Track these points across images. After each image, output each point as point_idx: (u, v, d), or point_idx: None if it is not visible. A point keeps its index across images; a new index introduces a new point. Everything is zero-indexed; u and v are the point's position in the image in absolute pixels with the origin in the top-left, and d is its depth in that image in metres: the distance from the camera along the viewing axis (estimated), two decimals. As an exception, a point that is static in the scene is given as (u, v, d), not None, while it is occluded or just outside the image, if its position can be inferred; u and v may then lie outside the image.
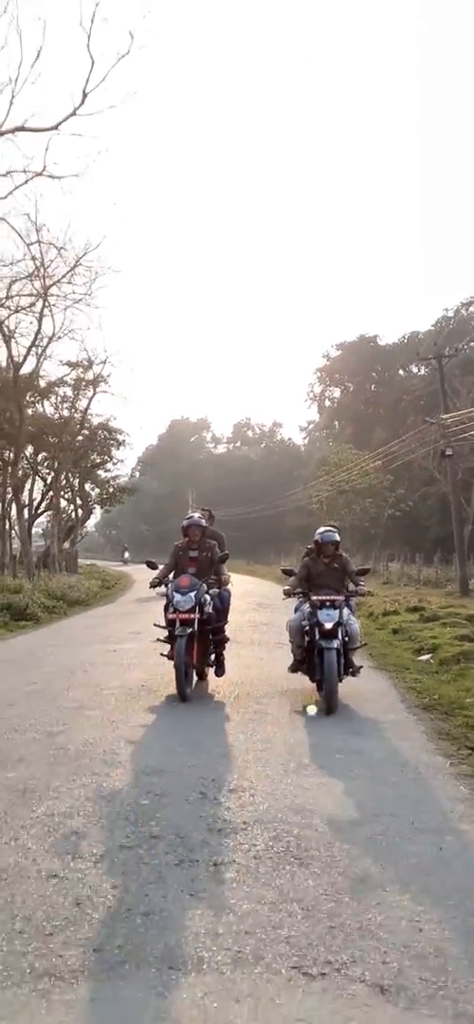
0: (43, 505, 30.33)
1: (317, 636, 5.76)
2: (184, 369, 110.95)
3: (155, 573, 6.75)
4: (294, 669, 6.24)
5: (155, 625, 6.78)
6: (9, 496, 23.16)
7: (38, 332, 19.82)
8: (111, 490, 32.18)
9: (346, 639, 5.87)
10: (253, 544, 50.39)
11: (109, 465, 31.84)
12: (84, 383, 28.25)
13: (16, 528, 24.86)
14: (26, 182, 14.02)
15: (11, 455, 22.15)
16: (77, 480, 31.19)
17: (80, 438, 29.48)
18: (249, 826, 3.10)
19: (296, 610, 6.40)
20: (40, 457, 29.28)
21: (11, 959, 2.10)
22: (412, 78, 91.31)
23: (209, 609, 6.38)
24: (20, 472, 25.16)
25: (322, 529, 6.48)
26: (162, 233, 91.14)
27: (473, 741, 4.44)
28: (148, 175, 79.70)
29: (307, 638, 5.93)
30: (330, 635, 5.70)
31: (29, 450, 28.34)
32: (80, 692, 6.26)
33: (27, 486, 29.10)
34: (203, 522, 6.83)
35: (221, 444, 68.88)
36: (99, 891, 2.52)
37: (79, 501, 31.54)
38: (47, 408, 28.10)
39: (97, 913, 2.37)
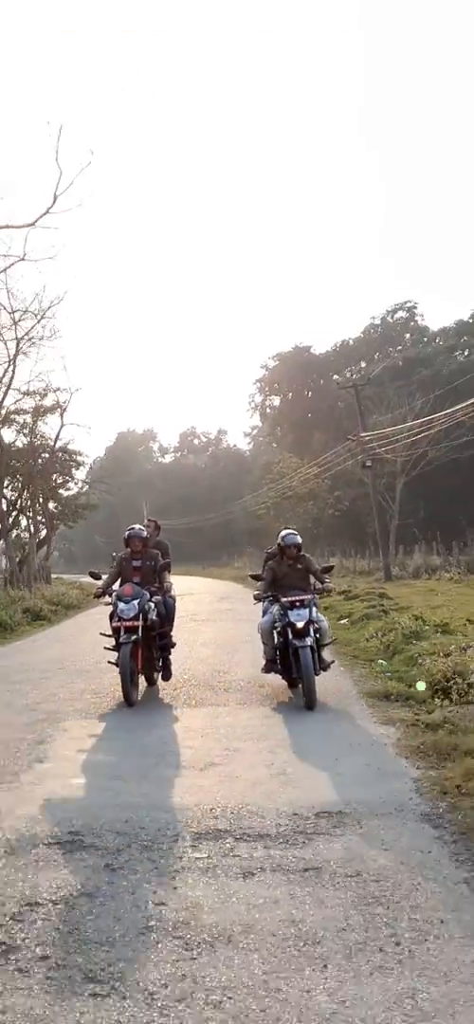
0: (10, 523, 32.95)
1: (290, 636, 6.11)
2: (128, 381, 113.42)
3: (99, 583, 7.15)
4: (267, 669, 6.59)
5: (101, 634, 7.17)
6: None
7: (12, 376, 22.87)
8: (74, 507, 34.97)
9: (317, 636, 6.25)
10: (206, 549, 53.98)
11: (70, 484, 34.72)
12: (42, 410, 31.24)
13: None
14: (9, 267, 17.17)
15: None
16: (39, 500, 33.88)
17: (40, 461, 32.26)
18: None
19: (264, 612, 6.75)
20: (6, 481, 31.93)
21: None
22: (345, 94, 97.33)
23: (153, 616, 6.65)
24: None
25: (284, 533, 6.93)
26: (103, 246, 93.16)
27: (355, 652, 8.26)
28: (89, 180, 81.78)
29: (280, 639, 6.30)
30: (303, 634, 6.06)
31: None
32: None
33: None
34: (144, 533, 7.21)
35: (168, 454, 72.12)
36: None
37: (42, 519, 34.22)
38: (7, 434, 30.80)
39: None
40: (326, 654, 6.59)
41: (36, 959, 2.41)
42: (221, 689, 7.09)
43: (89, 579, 9.05)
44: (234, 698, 6.68)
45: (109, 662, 6.78)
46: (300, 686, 6.10)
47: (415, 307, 54.07)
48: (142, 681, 6.97)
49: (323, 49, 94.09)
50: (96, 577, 7.79)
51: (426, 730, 5.05)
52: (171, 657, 7.30)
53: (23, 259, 16.90)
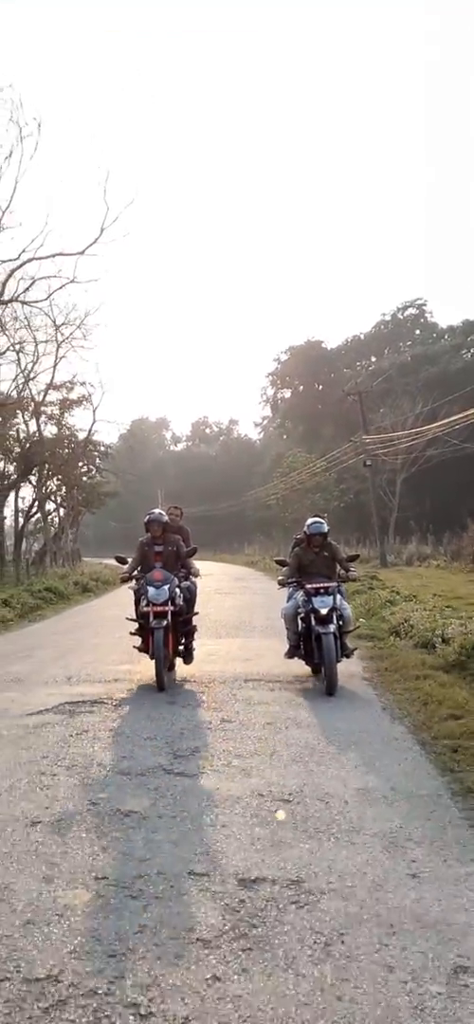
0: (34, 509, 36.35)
1: (313, 622, 6.30)
2: (143, 370, 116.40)
3: (124, 568, 7.37)
4: (290, 655, 6.83)
5: (127, 619, 7.45)
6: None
7: (52, 377, 26.27)
8: (97, 494, 38.34)
9: (341, 623, 6.41)
10: (217, 536, 57.19)
11: (94, 472, 38.10)
12: (68, 403, 34.54)
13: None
14: (61, 287, 20.41)
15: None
16: (63, 488, 37.26)
17: (68, 451, 35.56)
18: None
19: (289, 598, 6.91)
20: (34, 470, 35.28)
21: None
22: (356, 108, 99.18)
23: (180, 601, 6.92)
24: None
25: (310, 521, 7.08)
26: (122, 239, 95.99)
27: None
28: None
29: (303, 625, 6.50)
30: (326, 620, 6.23)
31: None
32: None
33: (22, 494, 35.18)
34: (164, 517, 7.37)
35: (181, 442, 75.26)
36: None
37: (67, 505, 37.62)
38: (34, 425, 34.11)
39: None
40: (349, 641, 6.79)
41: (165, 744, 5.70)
42: (247, 630, 10.41)
43: (113, 561, 9.38)
44: (257, 633, 9.99)
45: (134, 647, 7.11)
46: (322, 671, 6.34)
47: (424, 304, 56.77)
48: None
49: (329, 43, 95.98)
50: (122, 561, 7.84)
51: (377, 650, 8.31)
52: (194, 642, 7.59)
53: (73, 281, 20.10)
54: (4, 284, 19.95)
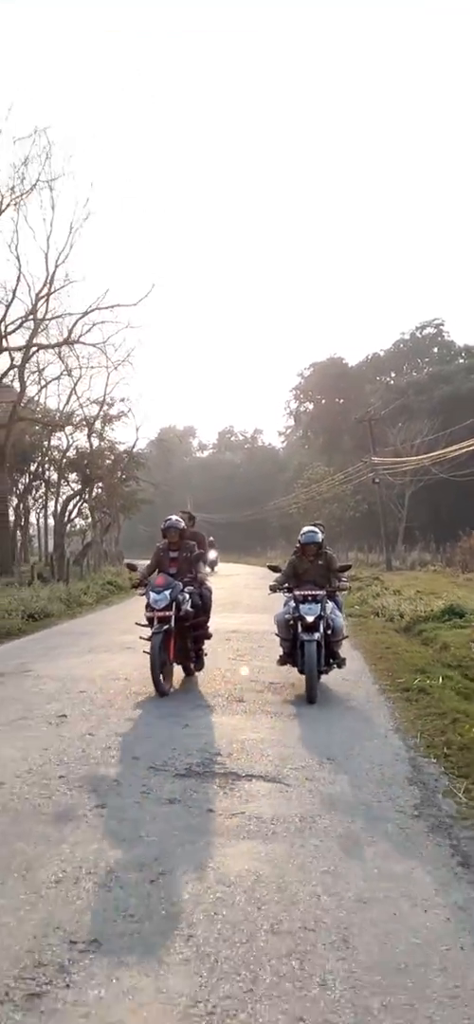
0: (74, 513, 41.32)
1: (300, 629, 6.48)
2: (171, 379, 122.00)
3: (136, 574, 7.54)
4: (282, 662, 6.98)
5: (137, 624, 7.41)
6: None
7: (104, 400, 31.05)
8: (133, 501, 43.02)
9: (329, 632, 6.59)
10: (241, 540, 61.67)
11: (131, 482, 42.81)
12: (109, 417, 39.34)
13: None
14: (117, 332, 25.06)
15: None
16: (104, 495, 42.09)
17: (108, 463, 40.33)
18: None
19: (284, 605, 7.04)
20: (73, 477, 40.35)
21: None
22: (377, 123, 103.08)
23: (187, 607, 6.99)
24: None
25: (305, 530, 7.25)
26: (154, 258, 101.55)
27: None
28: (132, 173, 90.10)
29: (292, 631, 6.67)
30: (311, 628, 6.41)
31: (73, 475, 39.65)
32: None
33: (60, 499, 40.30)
34: (181, 524, 7.50)
35: (207, 450, 79.90)
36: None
37: (108, 511, 42.43)
38: (80, 437, 39.12)
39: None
40: (341, 650, 7.01)
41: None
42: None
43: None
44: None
45: (145, 652, 6.95)
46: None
47: (442, 324, 60.50)
48: (178, 671, 7.47)
49: (340, 63, 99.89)
50: (132, 568, 8.09)
51: (359, 620, 12.55)
52: (205, 648, 7.79)
53: (128, 327, 24.75)
54: (70, 330, 24.67)
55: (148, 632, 6.92)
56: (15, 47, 70.76)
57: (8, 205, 23.39)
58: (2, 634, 11.88)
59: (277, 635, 7.10)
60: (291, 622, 6.77)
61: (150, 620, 6.94)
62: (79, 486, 39.88)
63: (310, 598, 6.67)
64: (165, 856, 3.36)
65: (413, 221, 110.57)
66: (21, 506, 44.39)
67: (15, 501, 42.32)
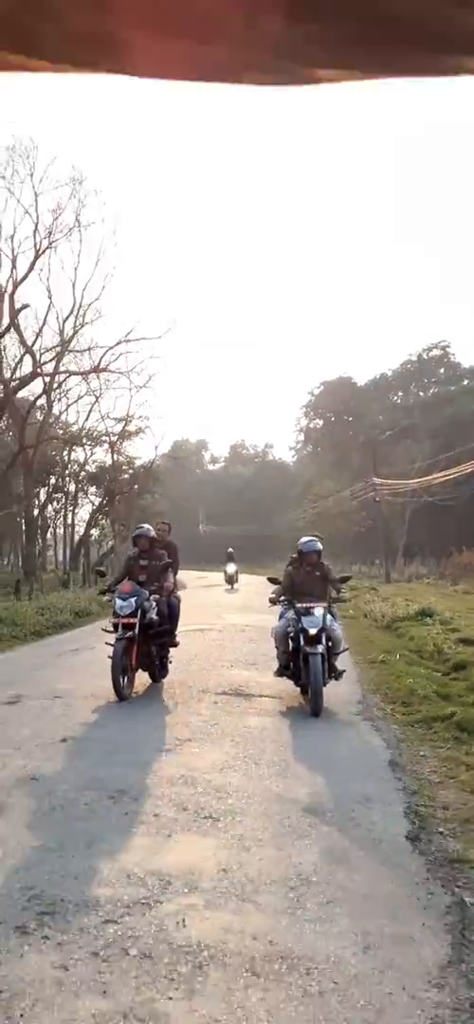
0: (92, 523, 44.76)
1: (302, 642, 6.61)
2: (183, 392, 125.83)
3: (107, 581, 7.98)
4: (279, 674, 7.20)
5: (103, 630, 7.80)
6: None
7: (127, 419, 34.32)
8: (150, 514, 46.22)
9: (330, 644, 6.75)
10: (251, 552, 64.59)
11: (147, 495, 46.07)
12: (127, 433, 42.68)
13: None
14: (141, 361, 28.33)
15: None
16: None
17: (126, 477, 43.67)
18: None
19: (281, 617, 7.28)
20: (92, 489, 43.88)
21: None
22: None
23: (152, 615, 7.30)
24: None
25: (305, 539, 7.47)
26: (161, 267, 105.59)
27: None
28: (149, 197, 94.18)
29: (292, 644, 6.82)
30: (315, 641, 6.55)
31: (92, 488, 43.17)
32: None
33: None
34: (151, 532, 7.98)
35: (218, 463, 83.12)
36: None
37: (125, 524, 45.64)
38: (99, 452, 42.54)
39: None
40: (339, 663, 7.10)
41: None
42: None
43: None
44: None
45: (109, 657, 7.09)
46: (309, 691, 6.56)
47: (448, 346, 63.28)
48: (143, 677, 7.75)
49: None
50: (101, 575, 8.92)
51: (351, 623, 15.55)
52: (170, 655, 8.11)
53: (152, 357, 28.00)
54: (100, 359, 27.98)
55: (113, 638, 7.22)
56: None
57: (46, 248, 26.66)
58: (59, 626, 15.00)
59: (276, 648, 7.31)
60: (291, 634, 6.88)
61: (115, 626, 7.25)
62: (98, 499, 43.40)
63: (312, 610, 6.78)
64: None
65: (422, 241, 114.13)
66: (39, 517, 47.81)
67: (35, 512, 45.75)
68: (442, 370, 63.56)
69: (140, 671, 7.71)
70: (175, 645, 8.39)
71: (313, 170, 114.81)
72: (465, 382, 58.87)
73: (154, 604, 7.48)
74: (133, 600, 7.21)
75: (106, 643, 7.40)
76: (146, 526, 8.35)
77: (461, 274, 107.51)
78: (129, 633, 7.10)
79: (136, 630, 7.14)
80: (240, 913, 2.97)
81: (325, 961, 2.60)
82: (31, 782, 4.67)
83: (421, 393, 61.65)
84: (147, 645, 7.49)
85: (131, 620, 7.14)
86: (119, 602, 7.25)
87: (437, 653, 10.47)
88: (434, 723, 6.45)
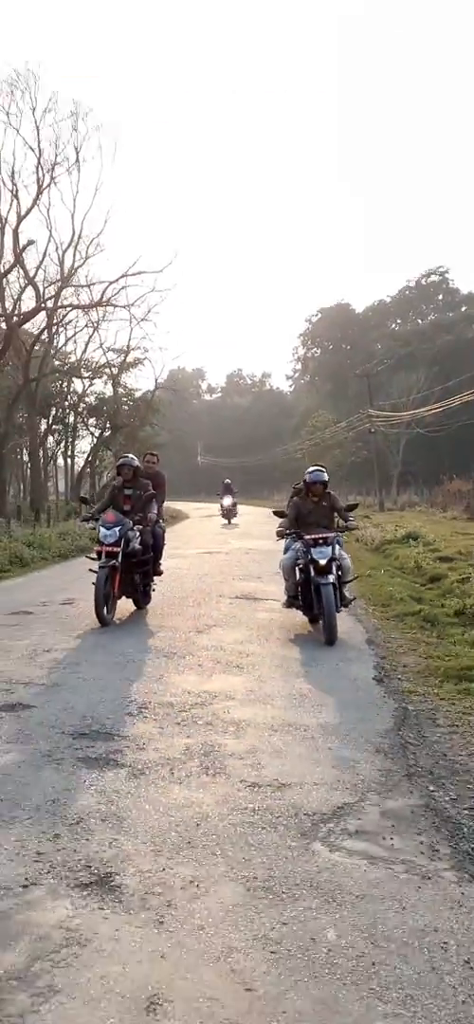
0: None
1: (313, 573, 6.69)
2: (179, 320, 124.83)
3: (92, 509, 8.18)
4: (289, 604, 7.33)
5: (87, 557, 8.16)
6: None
7: (127, 351, 35.42)
8: (149, 446, 47.66)
9: (339, 573, 6.87)
10: (249, 483, 66.28)
11: (147, 427, 47.39)
12: (126, 364, 43.71)
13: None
14: (142, 296, 29.33)
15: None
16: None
17: (125, 408, 44.88)
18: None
19: (287, 549, 7.39)
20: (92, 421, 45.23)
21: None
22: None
23: (135, 544, 7.54)
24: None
25: (311, 469, 7.50)
26: (161, 194, 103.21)
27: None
28: (148, 138, 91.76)
29: (302, 575, 6.92)
30: (325, 571, 6.64)
31: (92, 420, 44.47)
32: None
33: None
34: (135, 462, 8.13)
35: (216, 393, 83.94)
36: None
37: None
38: (98, 384, 43.68)
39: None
40: (348, 591, 7.30)
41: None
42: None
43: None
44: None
45: (92, 584, 7.37)
46: (321, 622, 6.74)
47: (447, 272, 63.72)
48: (125, 604, 8.05)
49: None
50: (85, 502, 8.88)
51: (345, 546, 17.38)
52: (154, 584, 8.34)
53: (154, 291, 29.00)
54: (102, 293, 28.95)
55: (97, 565, 7.45)
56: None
57: (49, 184, 27.30)
58: (80, 550, 16.78)
59: (285, 580, 7.41)
60: (301, 566, 6.98)
61: (99, 554, 7.49)
62: (98, 431, 44.75)
63: (321, 541, 6.86)
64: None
65: (422, 166, 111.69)
66: (40, 449, 49.22)
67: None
68: (441, 296, 64.08)
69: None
70: (159, 574, 8.64)
71: (312, 93, 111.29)
72: (463, 308, 59.52)
73: (137, 534, 7.70)
74: (117, 529, 7.43)
75: (90, 570, 7.74)
76: (130, 456, 8.47)
77: (462, 197, 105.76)
78: (112, 561, 7.32)
79: (119, 559, 7.37)
80: (262, 708, 4.82)
81: (316, 726, 4.42)
82: (104, 648, 6.50)
83: (419, 320, 62.21)
84: (130, 574, 7.72)
85: (114, 549, 7.36)
86: (103, 531, 7.48)
87: (417, 568, 12.29)
88: (405, 617, 8.27)
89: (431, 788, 3.54)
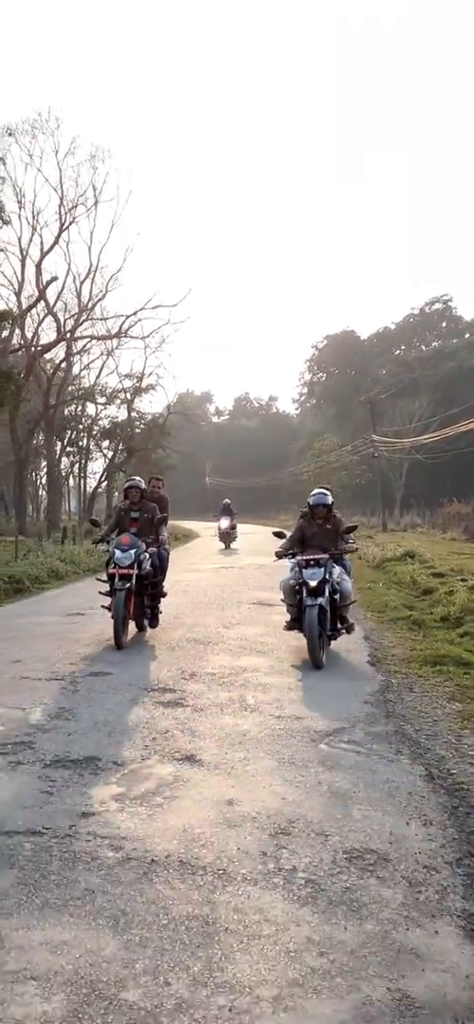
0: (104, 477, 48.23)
1: (304, 594, 6.78)
2: (188, 345, 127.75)
3: (99, 531, 8.42)
4: (289, 627, 7.28)
5: (97, 579, 8.29)
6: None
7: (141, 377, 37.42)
8: (161, 467, 49.49)
9: (336, 596, 6.86)
10: (255, 504, 68.08)
11: (159, 450, 49.30)
12: (139, 389, 45.72)
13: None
14: (159, 327, 31.28)
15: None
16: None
17: (138, 431, 46.81)
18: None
19: (291, 571, 7.31)
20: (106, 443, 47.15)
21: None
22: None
23: (147, 566, 7.73)
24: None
25: (314, 492, 7.69)
26: (171, 223, 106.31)
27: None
28: (162, 151, 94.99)
29: (297, 596, 6.96)
30: (315, 593, 6.66)
31: (105, 443, 46.45)
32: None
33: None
34: (142, 484, 8.38)
35: (223, 416, 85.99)
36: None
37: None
38: (112, 409, 45.72)
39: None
40: (349, 615, 7.40)
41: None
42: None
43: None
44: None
45: (102, 606, 7.78)
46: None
47: (450, 300, 65.75)
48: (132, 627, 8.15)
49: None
50: (95, 524, 9.37)
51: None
52: (160, 607, 8.45)
53: (168, 323, 30.95)
54: (120, 327, 30.94)
55: (107, 587, 7.66)
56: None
57: (71, 222, 29.39)
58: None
59: (283, 601, 7.40)
60: (296, 587, 6.98)
61: (111, 577, 7.59)
62: (111, 453, 46.68)
63: (313, 562, 6.87)
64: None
65: (428, 195, 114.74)
66: (55, 471, 51.22)
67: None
68: (444, 323, 66.05)
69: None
70: (163, 595, 8.70)
71: (321, 124, 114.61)
72: (467, 336, 61.45)
73: (148, 556, 7.86)
74: (132, 552, 7.56)
75: (99, 592, 8.01)
76: (137, 478, 8.69)
77: (467, 225, 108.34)
78: (128, 584, 7.46)
79: (134, 581, 7.51)
80: (281, 677, 6.51)
81: (323, 688, 6.10)
82: (153, 636, 8.20)
83: (423, 347, 64.14)
84: (141, 596, 7.88)
85: (129, 571, 7.47)
86: (118, 553, 7.60)
87: (412, 583, 13.91)
88: (398, 621, 9.88)
89: (401, 724, 5.17)
